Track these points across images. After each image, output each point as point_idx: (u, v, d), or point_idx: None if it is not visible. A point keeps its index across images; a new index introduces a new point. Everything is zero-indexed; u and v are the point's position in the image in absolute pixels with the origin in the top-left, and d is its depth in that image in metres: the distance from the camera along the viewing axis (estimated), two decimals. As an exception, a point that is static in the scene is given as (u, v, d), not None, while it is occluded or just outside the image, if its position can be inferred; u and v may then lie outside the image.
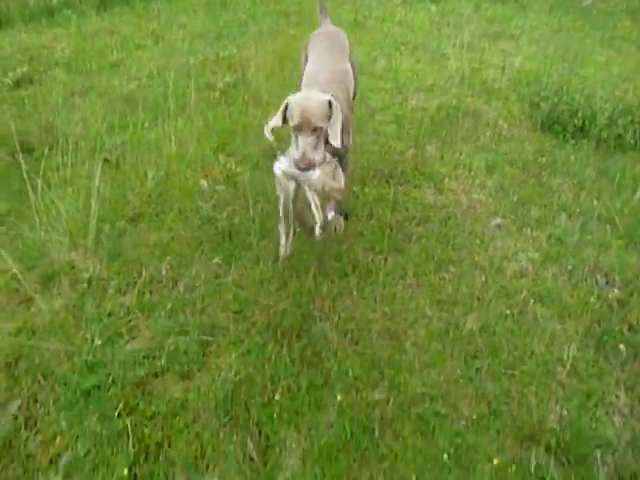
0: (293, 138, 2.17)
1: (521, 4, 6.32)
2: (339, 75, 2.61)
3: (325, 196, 2.13)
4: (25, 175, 2.62)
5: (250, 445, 1.81)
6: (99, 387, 2.02)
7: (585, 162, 3.39)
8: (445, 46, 5.26)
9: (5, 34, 5.54)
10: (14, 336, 2.25)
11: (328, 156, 2.17)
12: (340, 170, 2.26)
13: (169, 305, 2.37)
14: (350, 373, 2.03)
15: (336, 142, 2.14)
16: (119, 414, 1.91)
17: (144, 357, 2.13)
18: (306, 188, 2.12)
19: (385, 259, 2.59)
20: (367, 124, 3.83)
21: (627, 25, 6.17)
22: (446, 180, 3.20)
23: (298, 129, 2.07)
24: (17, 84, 4.42)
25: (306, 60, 2.89)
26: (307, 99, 2.14)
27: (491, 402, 1.94)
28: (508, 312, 2.30)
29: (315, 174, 2.05)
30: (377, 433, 1.83)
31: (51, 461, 1.80)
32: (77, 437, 1.85)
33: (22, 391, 2.03)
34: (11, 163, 3.27)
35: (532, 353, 2.14)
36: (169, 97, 3.79)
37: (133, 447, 1.79)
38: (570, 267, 2.57)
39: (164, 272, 2.54)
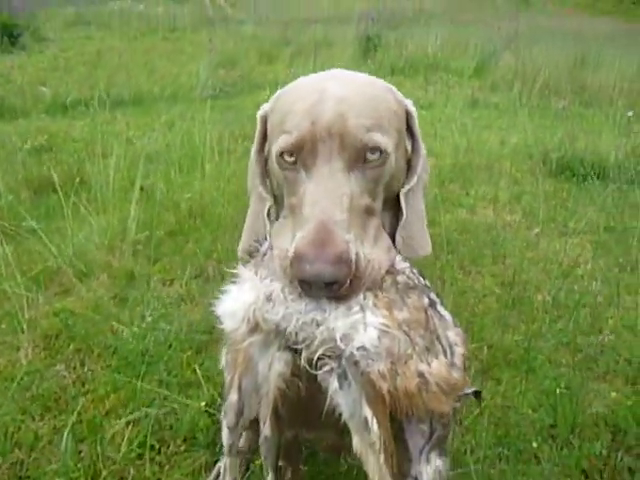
0: (287, 201, 0.85)
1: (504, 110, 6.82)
2: None
3: (408, 402, 0.72)
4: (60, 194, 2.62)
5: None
6: (152, 354, 1.81)
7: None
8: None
9: (21, 121, 5.74)
10: (53, 316, 2.05)
11: (402, 266, 0.81)
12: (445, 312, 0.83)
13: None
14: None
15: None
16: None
17: (203, 327, 1.95)
18: (332, 375, 0.72)
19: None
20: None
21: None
22: (479, 204, 3.27)
23: (302, 151, 0.78)
24: (37, 150, 4.49)
25: None
26: (332, 79, 0.89)
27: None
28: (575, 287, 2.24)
29: (367, 329, 0.69)
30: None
31: (107, 413, 1.55)
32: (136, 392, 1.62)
33: (66, 358, 1.81)
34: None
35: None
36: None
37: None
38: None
39: (210, 270, 2.42)
